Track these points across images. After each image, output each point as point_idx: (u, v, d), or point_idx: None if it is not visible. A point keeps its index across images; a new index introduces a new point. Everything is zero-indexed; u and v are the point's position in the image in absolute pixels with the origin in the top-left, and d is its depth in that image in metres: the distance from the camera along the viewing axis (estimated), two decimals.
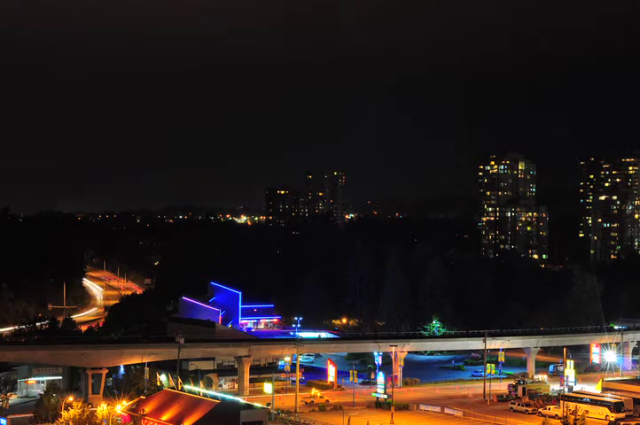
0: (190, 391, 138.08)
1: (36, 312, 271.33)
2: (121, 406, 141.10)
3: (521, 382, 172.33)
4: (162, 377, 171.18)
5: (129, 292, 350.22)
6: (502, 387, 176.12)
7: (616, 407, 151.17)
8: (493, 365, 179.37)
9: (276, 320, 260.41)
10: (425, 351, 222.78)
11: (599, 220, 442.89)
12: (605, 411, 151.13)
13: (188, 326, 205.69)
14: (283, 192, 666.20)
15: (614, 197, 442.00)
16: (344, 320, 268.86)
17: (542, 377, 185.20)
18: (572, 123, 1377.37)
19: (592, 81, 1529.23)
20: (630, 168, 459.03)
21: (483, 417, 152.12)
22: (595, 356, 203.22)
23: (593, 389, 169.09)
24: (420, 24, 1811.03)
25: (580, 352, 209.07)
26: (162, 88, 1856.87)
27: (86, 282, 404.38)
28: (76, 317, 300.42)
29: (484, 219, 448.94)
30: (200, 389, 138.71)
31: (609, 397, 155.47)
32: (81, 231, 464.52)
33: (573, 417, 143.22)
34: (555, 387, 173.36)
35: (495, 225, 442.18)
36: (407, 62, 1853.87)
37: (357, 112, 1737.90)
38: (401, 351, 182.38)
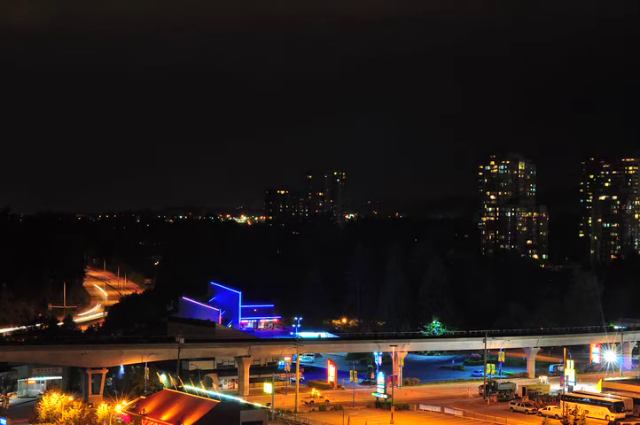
0: (190, 391, 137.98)
1: (36, 313, 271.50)
2: (121, 406, 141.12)
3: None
4: (162, 377, 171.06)
5: (129, 292, 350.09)
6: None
7: (616, 407, 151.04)
8: (493, 365, 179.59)
9: (276, 320, 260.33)
10: (425, 351, 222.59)
11: (599, 220, 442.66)
12: (605, 411, 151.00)
13: (188, 326, 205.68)
14: (283, 192, 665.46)
15: (614, 197, 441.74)
16: (344, 320, 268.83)
17: (543, 379, 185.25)
18: (572, 123, 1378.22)
19: (592, 81, 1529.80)
20: (630, 168, 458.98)
21: (483, 417, 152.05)
22: (595, 356, 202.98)
23: (593, 389, 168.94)
24: (419, 24, 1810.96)
25: (580, 352, 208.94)
26: (162, 88, 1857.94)
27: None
28: (82, 315, 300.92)
29: (484, 219, 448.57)
30: (200, 389, 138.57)
31: (609, 397, 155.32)
32: (82, 231, 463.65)
33: (573, 417, 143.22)
34: (555, 387, 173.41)
35: (495, 225, 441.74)
36: (406, 62, 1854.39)
37: (357, 111, 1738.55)
38: (401, 351, 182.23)
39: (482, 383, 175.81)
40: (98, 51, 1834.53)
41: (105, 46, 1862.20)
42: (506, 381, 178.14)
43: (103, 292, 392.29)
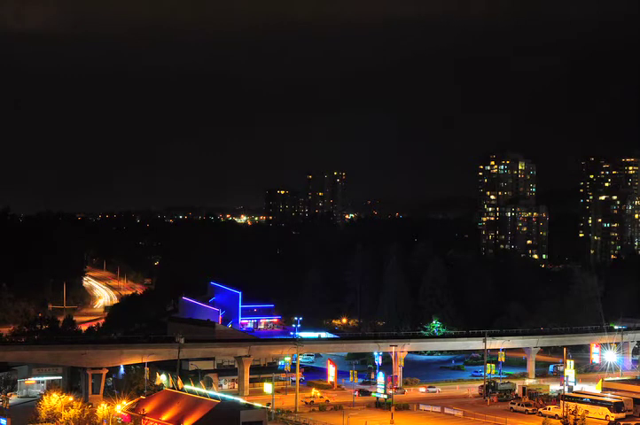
0: (190, 391, 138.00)
1: (36, 313, 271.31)
2: (121, 406, 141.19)
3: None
4: (162, 377, 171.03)
5: (129, 292, 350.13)
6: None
7: (616, 407, 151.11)
8: (493, 365, 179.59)
9: (276, 320, 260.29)
10: (425, 351, 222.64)
11: (599, 220, 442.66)
12: (605, 411, 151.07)
13: (188, 326, 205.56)
14: (283, 192, 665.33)
15: (614, 197, 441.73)
16: (344, 320, 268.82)
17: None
18: (572, 123, 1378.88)
19: (592, 81, 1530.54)
20: (630, 168, 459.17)
21: (483, 417, 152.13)
22: (595, 356, 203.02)
23: (593, 389, 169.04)
24: (420, 27, 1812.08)
25: (580, 352, 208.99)
26: (162, 89, 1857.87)
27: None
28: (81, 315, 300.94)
29: (484, 219, 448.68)
30: (200, 389, 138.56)
31: (609, 397, 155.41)
32: (82, 231, 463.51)
33: (573, 417, 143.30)
34: (555, 387, 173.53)
35: (495, 225, 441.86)
36: (406, 62, 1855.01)
37: (357, 111, 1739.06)
38: (401, 351, 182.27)
39: (482, 383, 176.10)
40: (98, 53, 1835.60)
41: (106, 48, 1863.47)
42: (506, 381, 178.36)
43: (103, 293, 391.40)
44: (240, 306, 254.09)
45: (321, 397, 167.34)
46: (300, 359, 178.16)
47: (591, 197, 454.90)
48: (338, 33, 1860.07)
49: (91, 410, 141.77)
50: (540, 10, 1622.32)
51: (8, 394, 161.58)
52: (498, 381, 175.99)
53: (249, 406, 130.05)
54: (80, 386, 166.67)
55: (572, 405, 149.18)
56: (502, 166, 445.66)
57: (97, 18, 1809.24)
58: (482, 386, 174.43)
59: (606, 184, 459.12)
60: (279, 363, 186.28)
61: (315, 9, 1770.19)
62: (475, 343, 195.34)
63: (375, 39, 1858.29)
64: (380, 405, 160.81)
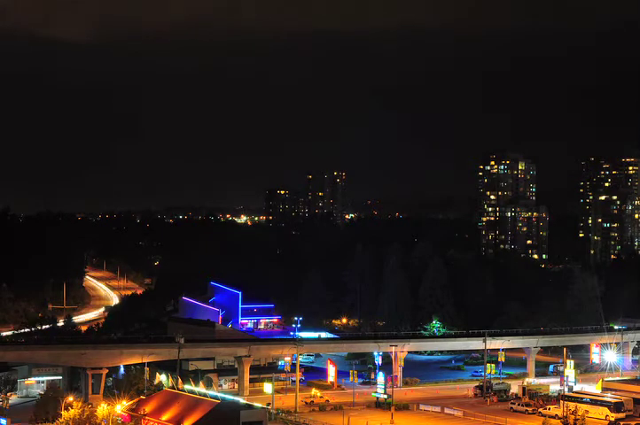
0: (190, 391, 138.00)
1: (36, 313, 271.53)
2: (121, 406, 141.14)
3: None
4: (162, 377, 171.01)
5: (129, 292, 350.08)
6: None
7: (616, 407, 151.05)
8: (493, 365, 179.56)
9: (276, 320, 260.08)
10: (425, 351, 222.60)
11: (599, 220, 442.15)
12: (605, 411, 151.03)
13: (188, 326, 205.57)
14: (283, 192, 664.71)
15: (614, 197, 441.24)
16: (344, 320, 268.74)
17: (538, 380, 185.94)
18: (572, 122, 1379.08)
19: (592, 81, 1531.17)
20: (630, 168, 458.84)
21: (483, 417, 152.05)
22: (595, 356, 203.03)
23: (593, 389, 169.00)
24: (420, 29, 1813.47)
25: (580, 352, 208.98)
26: (164, 89, 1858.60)
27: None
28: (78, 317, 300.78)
29: (484, 219, 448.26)
30: (200, 389, 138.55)
31: (609, 397, 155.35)
32: (82, 231, 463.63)
33: (573, 417, 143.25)
34: (555, 387, 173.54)
35: (495, 225, 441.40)
36: (407, 62, 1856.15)
37: (357, 111, 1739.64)
38: (401, 351, 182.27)
39: (477, 384, 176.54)
40: (99, 55, 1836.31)
41: (108, 50, 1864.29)
42: (500, 381, 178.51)
43: (107, 292, 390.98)
44: (240, 306, 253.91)
45: (321, 397, 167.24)
46: (300, 359, 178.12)
47: (591, 197, 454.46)
48: (336, 31, 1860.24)
49: (91, 410, 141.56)
50: (540, 11, 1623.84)
51: (8, 394, 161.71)
52: (493, 381, 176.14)
53: (249, 406, 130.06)
54: (80, 386, 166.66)
55: (572, 405, 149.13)
56: (502, 166, 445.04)
57: (98, 20, 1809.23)
58: (477, 386, 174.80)
59: (606, 184, 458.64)
60: (279, 363, 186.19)
61: (308, 14, 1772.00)
62: (475, 343, 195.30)
63: (375, 40, 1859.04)
64: (380, 405, 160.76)
